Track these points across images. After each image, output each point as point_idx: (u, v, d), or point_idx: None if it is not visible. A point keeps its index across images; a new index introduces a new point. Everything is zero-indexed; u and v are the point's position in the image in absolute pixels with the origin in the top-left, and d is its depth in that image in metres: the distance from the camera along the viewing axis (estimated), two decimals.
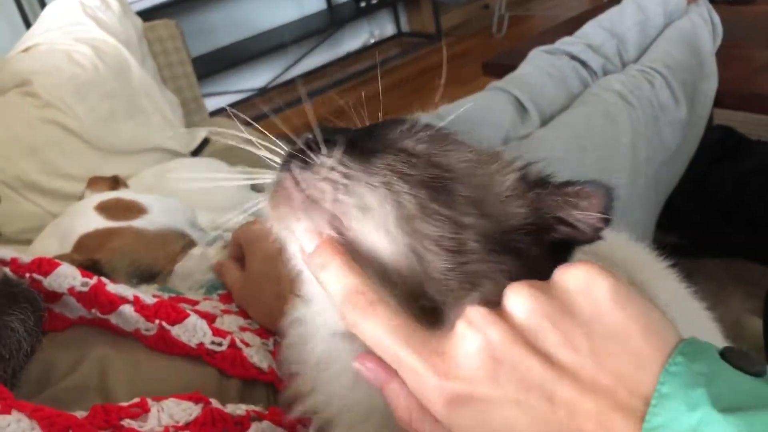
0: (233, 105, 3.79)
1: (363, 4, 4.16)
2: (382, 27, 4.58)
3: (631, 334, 0.37)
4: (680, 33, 1.50)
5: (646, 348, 0.37)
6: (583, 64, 1.43)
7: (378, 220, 0.43)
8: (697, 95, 1.40)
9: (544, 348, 0.38)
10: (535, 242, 0.44)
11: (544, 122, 1.29)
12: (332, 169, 0.45)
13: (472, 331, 0.39)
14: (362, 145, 0.47)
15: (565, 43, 1.49)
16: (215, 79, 3.59)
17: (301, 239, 0.45)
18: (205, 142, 1.83)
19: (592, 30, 1.51)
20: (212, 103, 3.50)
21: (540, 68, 1.41)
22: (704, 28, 1.53)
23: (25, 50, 1.74)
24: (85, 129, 1.56)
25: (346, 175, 0.45)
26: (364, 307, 0.41)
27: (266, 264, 0.79)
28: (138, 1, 2.98)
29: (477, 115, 1.27)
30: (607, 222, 0.44)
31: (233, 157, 1.62)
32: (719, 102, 1.48)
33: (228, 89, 3.78)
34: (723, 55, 1.53)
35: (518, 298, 0.39)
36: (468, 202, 0.43)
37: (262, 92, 3.89)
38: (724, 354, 0.37)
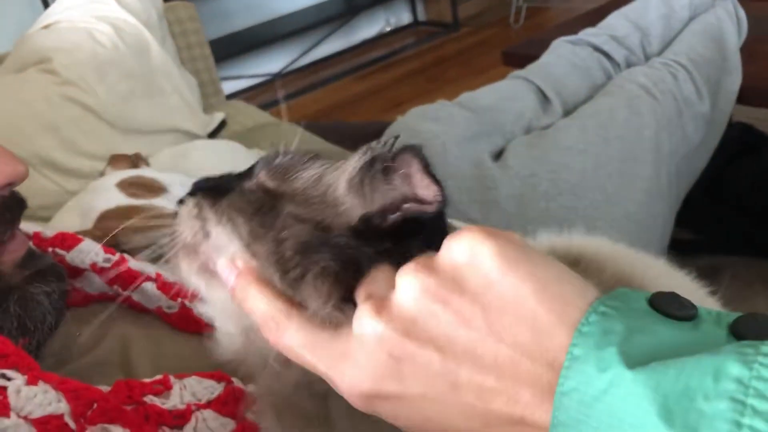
0: (248, 89, 3.78)
1: None
2: (399, 15, 4.55)
3: (524, 298, 0.35)
4: (705, 27, 1.48)
5: (541, 311, 0.34)
6: (607, 55, 1.41)
7: (229, 254, 0.46)
8: (720, 90, 1.39)
9: (439, 333, 0.36)
10: (354, 234, 0.43)
11: (567, 113, 1.28)
12: (188, 213, 0.49)
13: (364, 331, 0.38)
14: (226, 188, 0.49)
15: (588, 34, 1.47)
16: (230, 63, 3.58)
17: (222, 274, 0.47)
18: (222, 124, 1.83)
19: (616, 21, 1.50)
20: (228, 87, 3.50)
21: (563, 58, 1.39)
22: (729, 22, 1.51)
23: (45, 27, 1.74)
24: (104, 107, 1.56)
25: (198, 217, 0.48)
26: (275, 330, 0.42)
27: None
28: None
29: (499, 104, 1.27)
30: (436, 182, 0.41)
31: (248, 140, 1.62)
32: (743, 98, 1.47)
33: (243, 73, 3.77)
34: (747, 50, 1.52)
35: (405, 285, 0.37)
36: (292, 216, 0.45)
37: (278, 77, 3.88)
38: (652, 301, 0.34)
